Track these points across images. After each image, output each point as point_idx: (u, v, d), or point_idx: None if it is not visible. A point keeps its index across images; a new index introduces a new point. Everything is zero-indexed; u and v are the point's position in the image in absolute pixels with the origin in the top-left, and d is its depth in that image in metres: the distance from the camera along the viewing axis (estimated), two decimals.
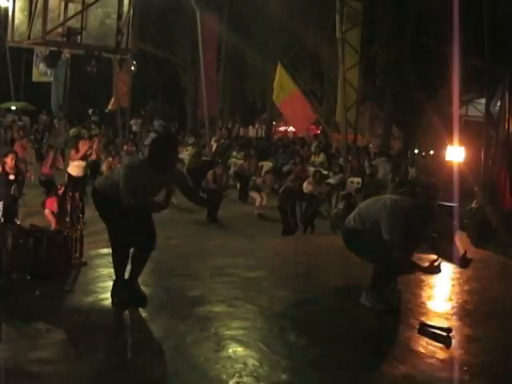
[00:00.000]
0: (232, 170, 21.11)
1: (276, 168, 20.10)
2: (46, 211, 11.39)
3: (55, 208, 11.15)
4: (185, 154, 22.31)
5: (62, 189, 11.23)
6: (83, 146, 14.34)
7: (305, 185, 14.88)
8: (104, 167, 18.48)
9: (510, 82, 12.58)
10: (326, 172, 19.36)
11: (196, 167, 19.22)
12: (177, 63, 35.21)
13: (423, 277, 8.21)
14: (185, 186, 6.38)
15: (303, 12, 27.02)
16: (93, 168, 16.64)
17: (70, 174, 13.92)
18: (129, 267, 6.30)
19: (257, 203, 16.86)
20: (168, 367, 4.84)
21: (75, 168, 14.05)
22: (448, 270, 8.91)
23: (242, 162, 21.14)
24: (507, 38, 13.30)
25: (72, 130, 34.88)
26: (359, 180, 17.56)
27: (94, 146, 15.51)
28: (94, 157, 15.41)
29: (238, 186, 19.73)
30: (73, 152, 14.34)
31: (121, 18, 12.19)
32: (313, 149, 23.30)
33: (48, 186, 14.36)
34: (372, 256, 6.58)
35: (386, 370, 4.99)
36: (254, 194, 17.39)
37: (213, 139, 24.68)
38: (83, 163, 14.27)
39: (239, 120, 36.84)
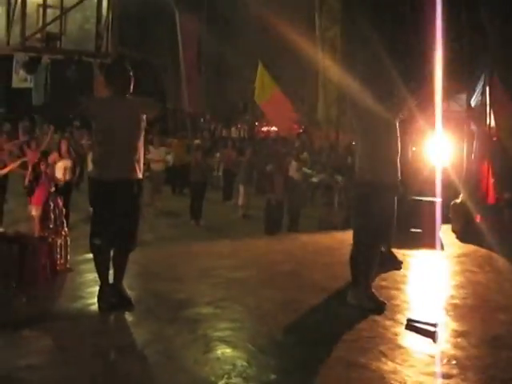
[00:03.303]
0: (216, 171, 21.13)
1: (259, 167, 20.14)
2: (33, 214, 11.16)
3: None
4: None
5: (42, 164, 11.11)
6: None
7: (290, 169, 15.07)
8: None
9: (491, 75, 12.64)
10: (309, 171, 19.43)
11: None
12: (157, 65, 35.10)
13: (408, 272, 8.27)
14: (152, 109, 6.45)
15: (283, 10, 27.07)
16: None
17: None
18: (112, 271, 6.30)
19: (239, 201, 16.93)
20: (157, 370, 4.83)
21: (57, 170, 13.05)
22: (432, 264, 8.97)
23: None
24: (487, 31, 13.37)
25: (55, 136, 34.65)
26: (341, 178, 17.61)
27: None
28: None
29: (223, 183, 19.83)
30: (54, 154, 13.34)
31: (100, 22, 12.19)
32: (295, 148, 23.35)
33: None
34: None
35: (375, 366, 5.01)
36: (239, 189, 17.49)
37: (195, 141, 24.63)
38: (68, 162, 13.41)
39: (221, 121, 36.76)
